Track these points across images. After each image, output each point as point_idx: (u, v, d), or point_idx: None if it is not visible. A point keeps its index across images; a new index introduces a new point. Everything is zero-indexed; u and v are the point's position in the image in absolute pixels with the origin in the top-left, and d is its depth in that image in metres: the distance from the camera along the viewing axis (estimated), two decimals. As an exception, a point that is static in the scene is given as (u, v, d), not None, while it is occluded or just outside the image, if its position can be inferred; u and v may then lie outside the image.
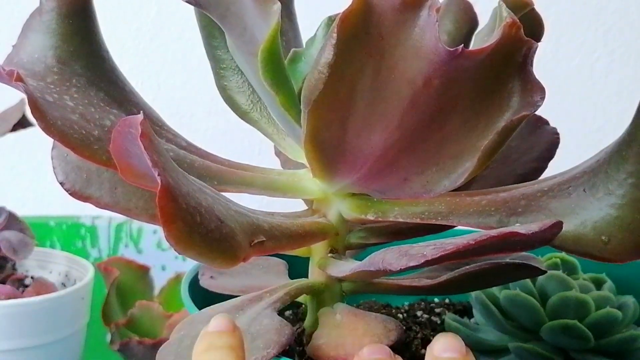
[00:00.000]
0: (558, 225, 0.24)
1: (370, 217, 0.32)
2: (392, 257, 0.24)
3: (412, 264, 0.23)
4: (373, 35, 0.25)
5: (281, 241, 0.29)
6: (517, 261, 0.32)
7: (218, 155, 0.34)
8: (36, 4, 0.31)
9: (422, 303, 0.44)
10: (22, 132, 0.57)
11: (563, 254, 0.41)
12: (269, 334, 0.29)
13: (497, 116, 0.27)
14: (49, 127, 0.27)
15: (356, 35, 0.26)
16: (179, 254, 0.24)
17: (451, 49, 0.25)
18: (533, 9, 0.30)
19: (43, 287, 0.56)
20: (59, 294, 0.54)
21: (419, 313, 0.42)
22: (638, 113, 0.27)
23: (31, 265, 0.61)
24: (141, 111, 0.26)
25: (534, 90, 0.26)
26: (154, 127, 0.33)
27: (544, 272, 0.33)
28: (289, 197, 0.34)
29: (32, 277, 0.59)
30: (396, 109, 0.27)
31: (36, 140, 0.48)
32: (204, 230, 0.24)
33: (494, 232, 0.23)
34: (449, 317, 0.39)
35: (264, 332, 0.29)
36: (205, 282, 0.38)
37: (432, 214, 0.30)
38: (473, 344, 0.38)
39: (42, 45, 0.30)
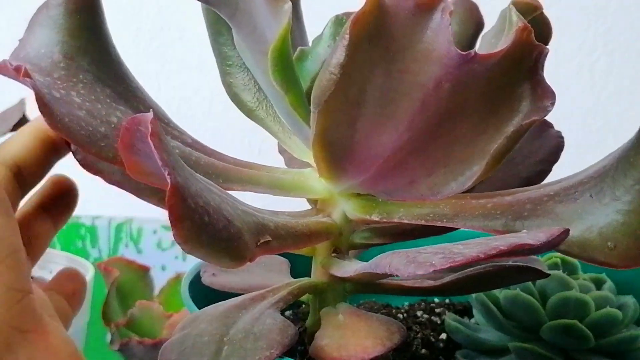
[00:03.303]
0: (565, 232, 0.24)
1: (375, 217, 0.32)
2: (399, 263, 0.24)
3: (419, 272, 0.23)
4: (385, 37, 0.25)
5: (286, 241, 0.29)
6: (520, 264, 0.32)
7: (223, 153, 0.34)
8: (39, 2, 0.31)
9: (423, 303, 0.44)
10: (22, 132, 0.56)
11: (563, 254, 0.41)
12: (272, 335, 0.29)
13: (507, 120, 0.27)
14: (55, 124, 0.27)
15: (368, 37, 0.25)
16: (187, 253, 0.24)
17: (463, 53, 0.25)
18: (542, 13, 0.30)
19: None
20: (59, 293, 0.54)
21: (419, 313, 0.42)
22: (646, 118, 0.27)
23: (31, 265, 0.60)
24: (151, 109, 0.26)
25: (545, 95, 0.26)
26: (161, 124, 0.33)
27: (547, 275, 0.33)
28: (294, 196, 0.34)
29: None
30: (406, 111, 0.27)
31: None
32: (212, 230, 0.24)
33: (502, 245, 0.23)
34: (450, 317, 0.39)
35: (267, 332, 0.29)
36: (207, 280, 0.38)
37: (437, 216, 0.30)
38: (473, 344, 0.38)
39: (48, 41, 0.30)
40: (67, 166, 0.35)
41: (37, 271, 0.60)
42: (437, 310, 0.43)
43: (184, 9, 0.34)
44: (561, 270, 0.40)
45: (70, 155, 0.33)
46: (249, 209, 0.28)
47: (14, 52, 0.30)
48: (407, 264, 0.24)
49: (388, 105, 0.27)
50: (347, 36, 0.25)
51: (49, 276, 0.59)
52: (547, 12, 0.32)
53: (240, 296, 0.33)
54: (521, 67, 0.26)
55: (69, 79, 0.29)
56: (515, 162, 0.35)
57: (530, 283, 0.39)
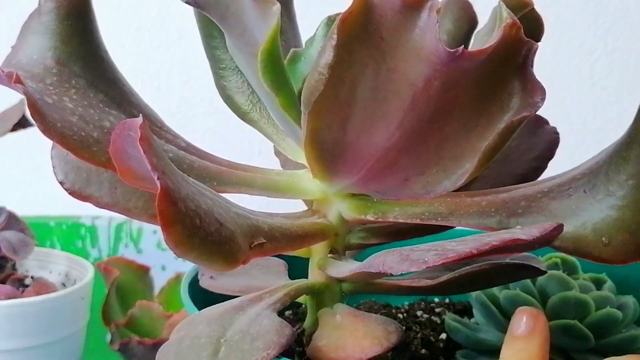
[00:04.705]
0: (559, 228, 0.24)
1: (370, 217, 0.32)
2: (392, 261, 0.24)
3: (413, 269, 0.23)
4: (373, 37, 0.25)
5: (281, 242, 0.29)
6: (517, 261, 0.32)
7: (217, 156, 0.34)
8: (35, 5, 0.31)
9: (422, 303, 0.44)
10: (22, 132, 0.57)
11: (563, 254, 0.41)
12: (269, 335, 0.29)
13: (498, 117, 0.27)
14: (48, 129, 0.27)
15: (356, 36, 0.25)
16: (179, 257, 0.24)
17: (451, 50, 0.25)
18: (533, 9, 0.30)
19: (43, 287, 0.56)
20: (59, 294, 0.54)
21: (419, 313, 0.42)
22: (639, 114, 0.27)
23: (31, 265, 0.61)
24: (140, 114, 0.26)
25: (534, 91, 0.26)
26: (154, 128, 0.33)
27: (544, 272, 0.33)
28: (289, 197, 0.34)
29: (32, 277, 0.59)
30: (396, 110, 0.27)
31: (36, 140, 0.48)
32: (203, 234, 0.24)
33: (495, 240, 0.23)
34: (449, 317, 0.39)
35: (264, 333, 0.29)
36: (205, 283, 0.38)
37: (432, 214, 0.30)
38: (473, 344, 0.38)
39: (40, 47, 0.30)
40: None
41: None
42: (437, 310, 0.43)
43: (184, 9, 0.34)
44: (561, 270, 0.40)
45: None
46: (242, 211, 0.28)
47: (6, 59, 0.30)
48: (400, 261, 0.24)
49: (378, 104, 0.27)
50: (335, 36, 0.25)
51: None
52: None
53: (237, 298, 0.33)
54: (510, 64, 0.26)
55: (62, 85, 0.30)
56: (511, 159, 0.35)
57: (530, 283, 0.39)
